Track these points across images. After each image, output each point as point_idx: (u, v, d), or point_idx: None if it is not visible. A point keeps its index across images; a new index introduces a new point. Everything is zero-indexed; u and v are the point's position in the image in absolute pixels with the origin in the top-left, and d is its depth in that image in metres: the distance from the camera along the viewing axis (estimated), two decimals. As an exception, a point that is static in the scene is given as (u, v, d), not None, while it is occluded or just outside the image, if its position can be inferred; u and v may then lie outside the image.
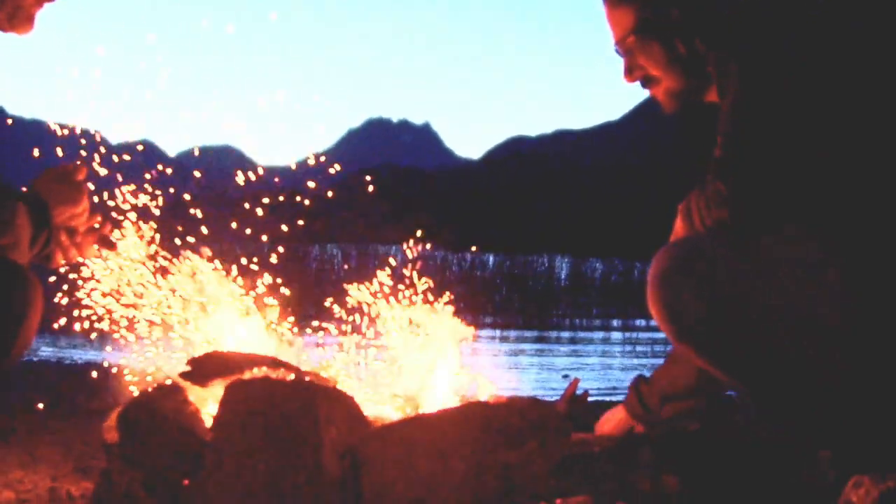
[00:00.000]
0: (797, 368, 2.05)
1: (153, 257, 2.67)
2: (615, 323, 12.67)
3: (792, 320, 2.03)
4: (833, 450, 2.12)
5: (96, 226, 2.39)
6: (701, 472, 2.29)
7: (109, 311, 2.64)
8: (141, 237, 2.66)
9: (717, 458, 2.37)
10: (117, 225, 2.59)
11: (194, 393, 2.29)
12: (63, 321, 2.63)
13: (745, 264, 2.07)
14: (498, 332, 10.46)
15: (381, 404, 2.59)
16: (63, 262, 2.37)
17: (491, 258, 18.60)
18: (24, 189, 2.29)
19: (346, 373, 2.65)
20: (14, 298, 2.03)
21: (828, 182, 2.03)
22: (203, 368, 2.30)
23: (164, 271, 2.68)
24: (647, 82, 2.40)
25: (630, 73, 2.40)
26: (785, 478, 2.19)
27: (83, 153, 2.66)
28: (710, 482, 2.25)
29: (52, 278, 2.51)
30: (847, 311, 2.00)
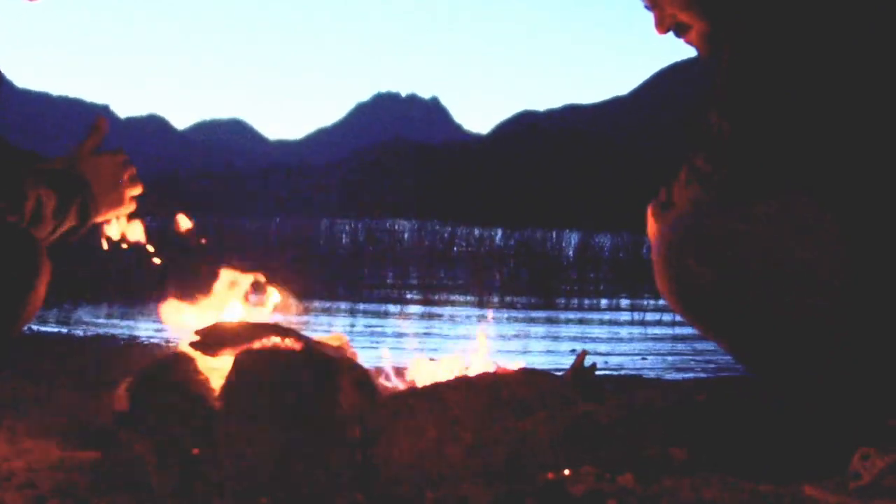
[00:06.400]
0: (802, 340, 2.05)
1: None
2: (623, 297, 12.68)
3: (793, 287, 2.02)
4: (838, 424, 2.11)
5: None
6: (708, 443, 2.29)
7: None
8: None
9: (724, 430, 2.37)
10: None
11: (204, 362, 2.30)
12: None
13: (744, 233, 2.06)
14: (506, 306, 10.48)
15: (390, 373, 2.59)
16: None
17: (499, 232, 18.57)
18: (56, 161, 2.32)
19: (355, 341, 2.65)
20: (21, 266, 2.04)
21: (824, 143, 2.02)
22: (212, 338, 2.31)
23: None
24: (679, 31, 2.33)
25: (661, 23, 2.33)
26: (792, 449, 2.19)
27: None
28: (717, 453, 2.25)
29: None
30: (848, 278, 1.99)
